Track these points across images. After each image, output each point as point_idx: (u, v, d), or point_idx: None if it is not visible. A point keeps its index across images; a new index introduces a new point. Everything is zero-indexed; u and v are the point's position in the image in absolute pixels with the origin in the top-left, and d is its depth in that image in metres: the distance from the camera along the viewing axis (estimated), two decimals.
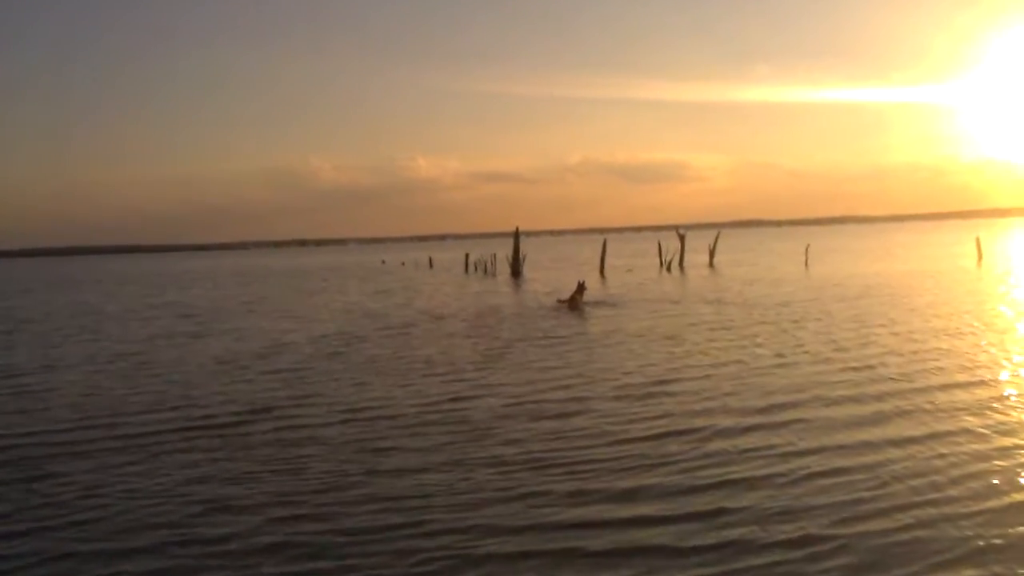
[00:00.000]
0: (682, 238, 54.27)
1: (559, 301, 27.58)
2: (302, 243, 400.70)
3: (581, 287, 27.21)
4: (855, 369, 13.95)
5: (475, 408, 11.97)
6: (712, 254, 55.42)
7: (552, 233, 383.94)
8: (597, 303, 27.84)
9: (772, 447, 9.35)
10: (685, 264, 51.79)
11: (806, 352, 15.99)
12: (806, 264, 48.38)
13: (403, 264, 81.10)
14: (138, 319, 29.65)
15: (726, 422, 10.55)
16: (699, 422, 10.57)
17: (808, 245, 57.32)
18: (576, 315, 24.65)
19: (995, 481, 7.96)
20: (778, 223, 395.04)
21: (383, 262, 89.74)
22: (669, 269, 49.96)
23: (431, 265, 73.07)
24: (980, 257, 46.84)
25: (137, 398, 13.67)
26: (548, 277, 47.32)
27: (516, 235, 52.80)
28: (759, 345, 17.11)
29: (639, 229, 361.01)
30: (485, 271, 56.19)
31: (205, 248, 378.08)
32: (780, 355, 15.70)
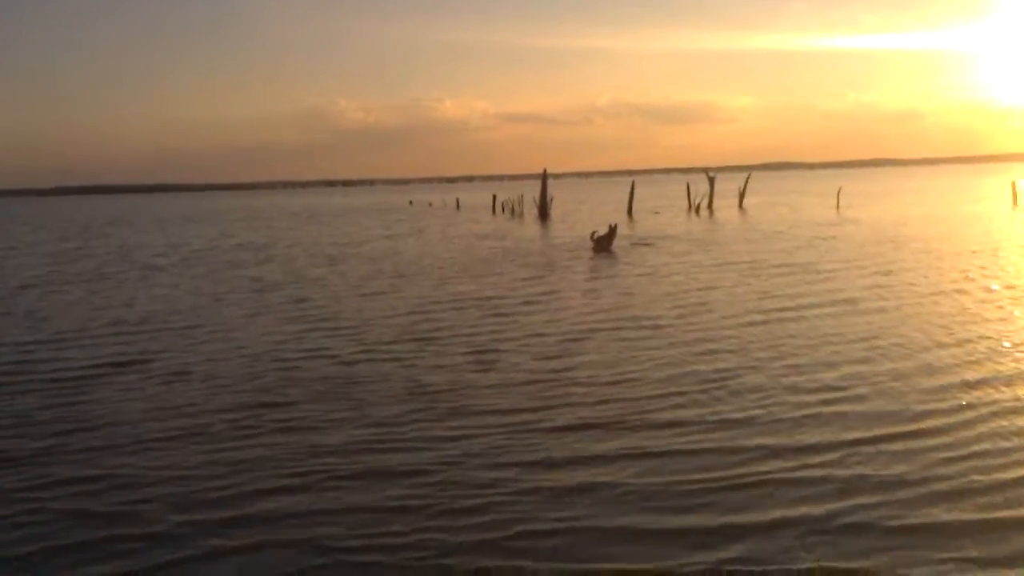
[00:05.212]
0: (711, 180, 53.82)
1: (593, 240, 27.08)
2: (330, 183, 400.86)
3: (612, 231, 27.13)
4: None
5: None
6: (742, 197, 55.03)
7: (580, 175, 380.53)
8: (635, 245, 28.13)
9: None
10: (714, 207, 51.46)
11: None
12: (837, 207, 48.02)
13: (430, 205, 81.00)
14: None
15: None
16: None
17: (840, 188, 56.58)
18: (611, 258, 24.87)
19: None
20: (810, 166, 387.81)
21: (411, 203, 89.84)
22: (698, 212, 49.71)
23: (458, 206, 72.95)
24: (1016, 201, 46.27)
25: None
26: (576, 219, 47.28)
27: (544, 177, 52.66)
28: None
29: (668, 171, 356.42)
30: (512, 212, 56.23)
31: (236, 187, 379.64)
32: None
